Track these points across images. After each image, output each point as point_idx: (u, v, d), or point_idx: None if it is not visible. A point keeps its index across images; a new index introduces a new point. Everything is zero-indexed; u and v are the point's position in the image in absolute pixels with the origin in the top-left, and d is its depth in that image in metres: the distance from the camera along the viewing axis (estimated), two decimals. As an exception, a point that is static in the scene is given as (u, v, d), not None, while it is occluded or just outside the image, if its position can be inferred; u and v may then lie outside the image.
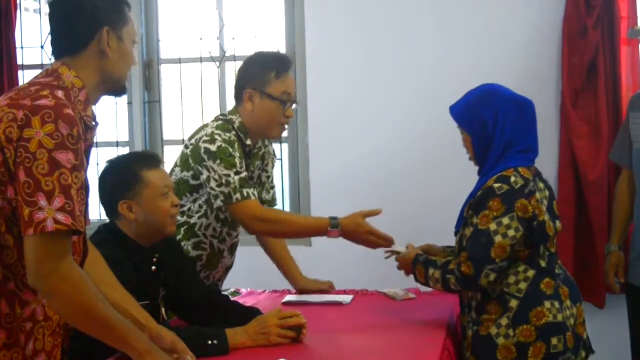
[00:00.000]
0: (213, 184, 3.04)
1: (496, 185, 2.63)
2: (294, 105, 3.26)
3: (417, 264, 2.82)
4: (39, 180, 1.87)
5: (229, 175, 3.02)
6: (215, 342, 2.52)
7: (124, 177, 2.66)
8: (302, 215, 3.12)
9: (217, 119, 3.24)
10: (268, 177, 3.44)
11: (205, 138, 3.08)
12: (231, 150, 3.06)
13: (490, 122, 2.71)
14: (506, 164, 2.69)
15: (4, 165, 1.93)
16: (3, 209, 1.97)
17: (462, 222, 2.77)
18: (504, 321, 2.65)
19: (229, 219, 3.22)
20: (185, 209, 3.16)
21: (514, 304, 2.65)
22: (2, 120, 1.94)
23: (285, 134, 4.56)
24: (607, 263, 3.63)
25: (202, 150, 3.06)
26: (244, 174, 3.07)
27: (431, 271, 2.74)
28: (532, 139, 2.79)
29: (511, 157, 2.71)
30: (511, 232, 2.60)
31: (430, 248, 3.05)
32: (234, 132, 3.13)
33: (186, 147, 3.17)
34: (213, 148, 3.05)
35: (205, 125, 3.20)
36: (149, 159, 2.74)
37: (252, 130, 3.20)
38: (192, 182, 3.14)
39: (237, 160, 3.06)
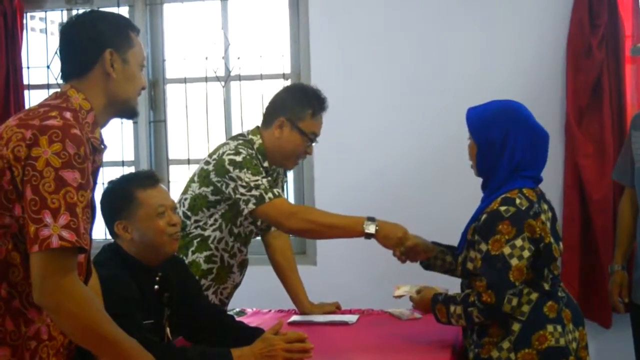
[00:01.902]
0: (242, 190, 3.07)
1: (502, 208, 2.61)
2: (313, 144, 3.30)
3: (436, 303, 2.75)
4: (45, 198, 1.89)
5: (257, 180, 3.07)
6: None
7: (119, 198, 2.68)
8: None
9: (236, 138, 3.29)
10: None
11: (229, 152, 3.13)
12: (255, 161, 3.12)
13: (498, 143, 2.69)
14: (511, 185, 2.67)
15: (11, 183, 1.95)
16: (10, 227, 1.99)
17: (465, 244, 2.76)
18: (506, 344, 2.62)
19: (242, 234, 3.27)
20: (201, 222, 3.20)
21: (516, 327, 2.62)
22: (11, 140, 1.96)
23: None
24: (610, 282, 3.62)
25: (227, 162, 3.11)
26: (270, 179, 3.13)
27: (452, 308, 2.68)
28: (540, 168, 2.77)
29: (517, 180, 2.69)
30: (525, 253, 2.58)
31: (422, 243, 3.03)
32: (253, 152, 3.19)
33: (206, 163, 3.20)
34: (238, 158, 3.10)
35: (226, 143, 3.25)
36: (144, 178, 2.74)
37: (271, 156, 3.24)
38: (211, 197, 3.18)
39: (262, 169, 3.12)
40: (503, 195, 2.65)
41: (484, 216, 2.65)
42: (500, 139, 2.68)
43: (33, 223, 1.89)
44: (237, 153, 3.11)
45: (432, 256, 3.04)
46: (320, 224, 3.08)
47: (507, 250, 2.57)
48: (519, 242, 2.57)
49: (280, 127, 3.20)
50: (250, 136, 3.26)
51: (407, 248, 2.99)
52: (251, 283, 3.63)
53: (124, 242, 2.68)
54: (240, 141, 3.22)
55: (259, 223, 3.29)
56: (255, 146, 3.22)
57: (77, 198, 1.93)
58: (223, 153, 3.15)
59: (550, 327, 2.62)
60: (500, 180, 2.70)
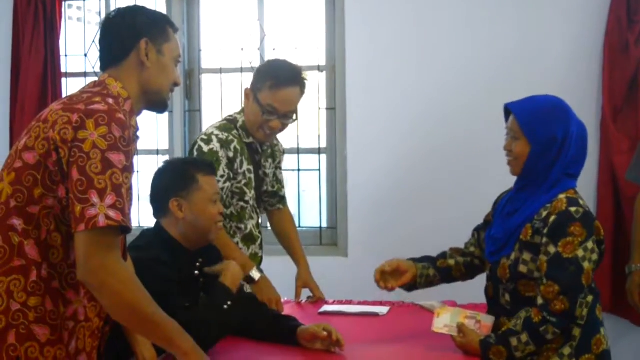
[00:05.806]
0: None
1: (572, 209, 2.51)
2: (291, 120, 3.32)
3: (489, 348, 2.55)
4: (91, 178, 1.94)
5: None
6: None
7: (179, 176, 2.75)
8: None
9: (222, 119, 3.39)
10: (281, 173, 3.57)
11: (203, 137, 3.24)
12: (221, 154, 3.18)
13: (560, 140, 2.57)
14: (564, 185, 2.60)
15: (57, 165, 2.01)
16: (53, 208, 2.04)
17: (515, 244, 2.61)
18: (567, 350, 2.54)
19: (235, 213, 3.30)
20: None
21: (577, 332, 2.52)
22: (57, 123, 2.02)
23: (323, 145, 4.60)
24: (628, 283, 3.62)
25: (196, 147, 3.21)
26: (223, 185, 3.16)
27: (514, 342, 2.52)
28: (583, 165, 2.68)
29: (565, 179, 2.61)
30: (594, 256, 2.51)
31: (400, 263, 2.94)
32: (235, 131, 3.27)
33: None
34: (205, 149, 3.18)
35: (211, 126, 3.35)
36: (205, 165, 2.84)
37: (248, 128, 3.32)
38: None
39: (223, 167, 3.17)
40: (564, 195, 2.57)
41: (553, 217, 2.53)
42: (562, 136, 2.57)
43: (79, 203, 1.94)
44: (208, 141, 3.22)
45: (417, 276, 2.94)
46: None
47: (580, 252, 2.48)
48: (590, 245, 2.50)
49: (247, 97, 3.28)
50: (235, 115, 3.35)
51: (389, 270, 2.91)
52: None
53: (171, 223, 2.73)
54: (224, 122, 3.33)
55: (246, 198, 3.31)
56: (239, 124, 3.31)
57: (123, 180, 1.98)
58: (199, 136, 3.29)
59: (602, 330, 2.60)
60: (554, 179, 2.60)
